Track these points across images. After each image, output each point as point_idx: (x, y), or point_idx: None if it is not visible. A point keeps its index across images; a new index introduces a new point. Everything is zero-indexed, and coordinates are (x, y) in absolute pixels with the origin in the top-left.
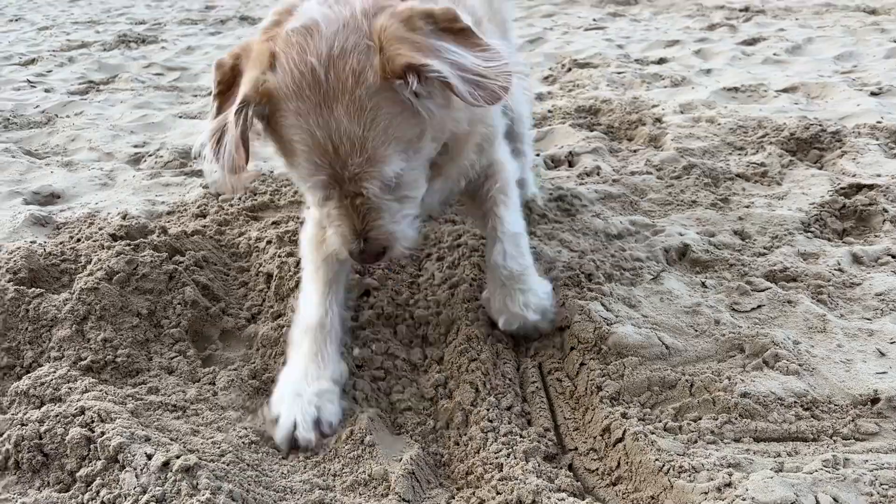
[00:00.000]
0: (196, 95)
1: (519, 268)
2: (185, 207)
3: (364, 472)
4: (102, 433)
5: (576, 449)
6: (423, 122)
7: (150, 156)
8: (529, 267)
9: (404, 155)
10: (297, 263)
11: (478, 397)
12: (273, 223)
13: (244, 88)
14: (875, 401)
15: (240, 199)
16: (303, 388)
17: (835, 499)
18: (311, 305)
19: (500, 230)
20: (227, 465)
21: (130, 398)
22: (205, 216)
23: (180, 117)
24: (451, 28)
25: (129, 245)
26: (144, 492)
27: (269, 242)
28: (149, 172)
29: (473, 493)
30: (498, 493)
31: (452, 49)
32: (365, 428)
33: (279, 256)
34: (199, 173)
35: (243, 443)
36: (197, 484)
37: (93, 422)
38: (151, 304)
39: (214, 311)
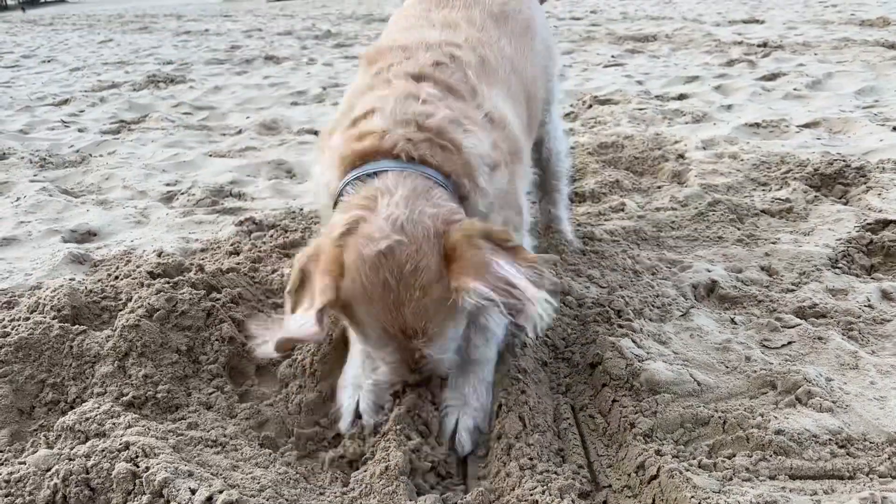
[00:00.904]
0: (224, 134)
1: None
2: (219, 245)
3: None
4: (147, 468)
5: (610, 486)
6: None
7: (183, 194)
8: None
9: (455, 330)
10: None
11: (523, 431)
12: None
13: (321, 297)
14: None
15: (271, 236)
16: (361, 380)
17: None
18: None
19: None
20: (267, 500)
21: (171, 433)
22: (238, 253)
23: (210, 156)
24: (507, 247)
25: (168, 283)
26: None
27: None
28: (181, 210)
29: None
30: None
31: (504, 266)
32: (401, 464)
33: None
34: (230, 211)
35: (282, 479)
36: None
37: (137, 457)
38: (190, 340)
39: (251, 347)
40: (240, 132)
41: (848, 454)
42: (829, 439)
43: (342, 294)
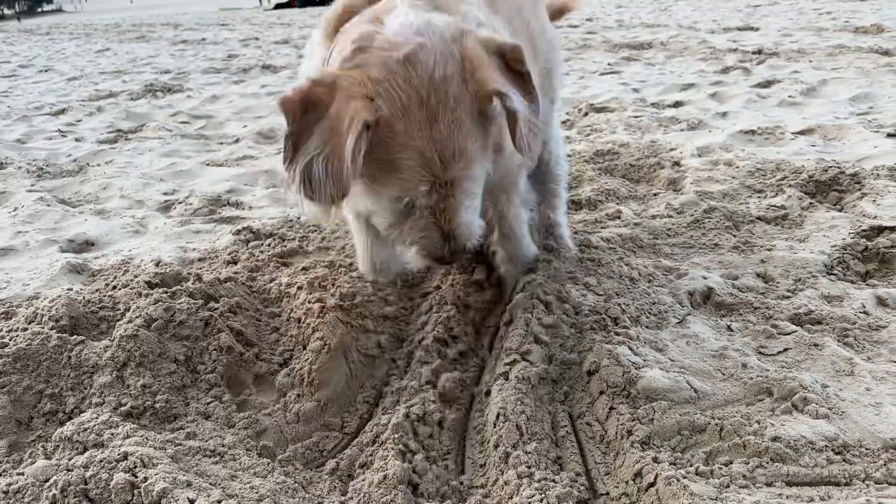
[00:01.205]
0: (222, 143)
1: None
2: (216, 254)
3: None
4: (146, 478)
5: (607, 493)
6: (491, 134)
7: (180, 203)
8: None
9: (483, 157)
10: (322, 310)
11: (520, 440)
12: (303, 269)
13: (360, 114)
14: None
15: (269, 245)
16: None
17: None
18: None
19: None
20: None
21: (170, 443)
22: (236, 263)
23: (208, 165)
24: (516, 69)
25: (166, 292)
26: None
27: (299, 288)
28: (179, 220)
29: None
30: None
31: (513, 92)
32: (399, 474)
33: (308, 303)
34: (228, 220)
35: (280, 488)
36: None
37: (136, 467)
38: (188, 350)
39: (248, 357)
40: (237, 141)
41: (844, 460)
42: (826, 446)
43: (380, 113)
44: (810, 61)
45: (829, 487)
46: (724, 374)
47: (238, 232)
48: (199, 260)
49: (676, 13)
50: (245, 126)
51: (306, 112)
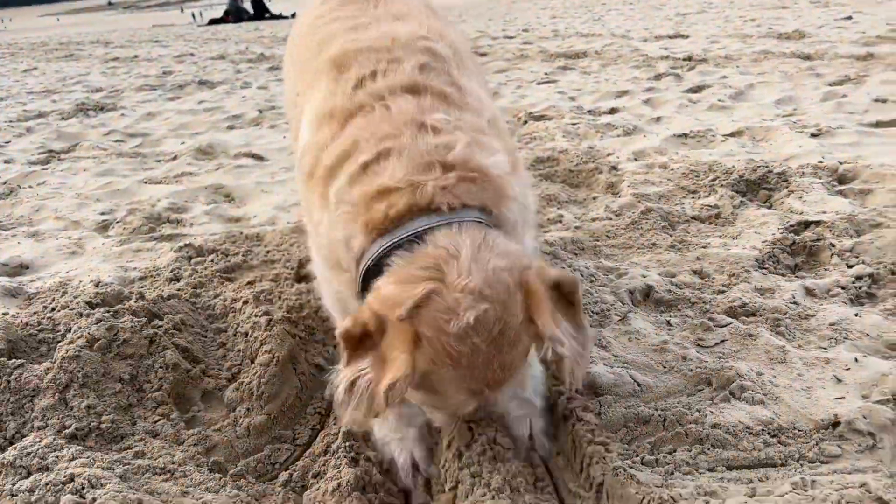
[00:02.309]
0: (159, 160)
1: None
2: (158, 272)
3: None
4: (94, 499)
5: (569, 490)
6: None
7: (118, 223)
8: None
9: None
10: (269, 323)
11: (472, 440)
12: (248, 283)
13: (396, 369)
14: (836, 424)
15: (212, 261)
16: (402, 429)
17: None
18: None
19: None
20: None
21: (118, 463)
22: (178, 280)
23: (146, 183)
24: (570, 300)
25: (108, 311)
26: None
27: (245, 303)
28: (118, 239)
29: None
30: None
31: (567, 330)
32: (353, 481)
33: (255, 316)
34: (169, 237)
35: (233, 503)
36: None
37: (83, 488)
38: (133, 368)
39: (195, 373)
40: (175, 158)
41: (779, 443)
42: (762, 430)
43: (419, 366)
44: (737, 67)
45: (767, 469)
46: (665, 367)
47: (180, 249)
48: (141, 279)
49: (609, 22)
50: (183, 143)
51: (361, 343)
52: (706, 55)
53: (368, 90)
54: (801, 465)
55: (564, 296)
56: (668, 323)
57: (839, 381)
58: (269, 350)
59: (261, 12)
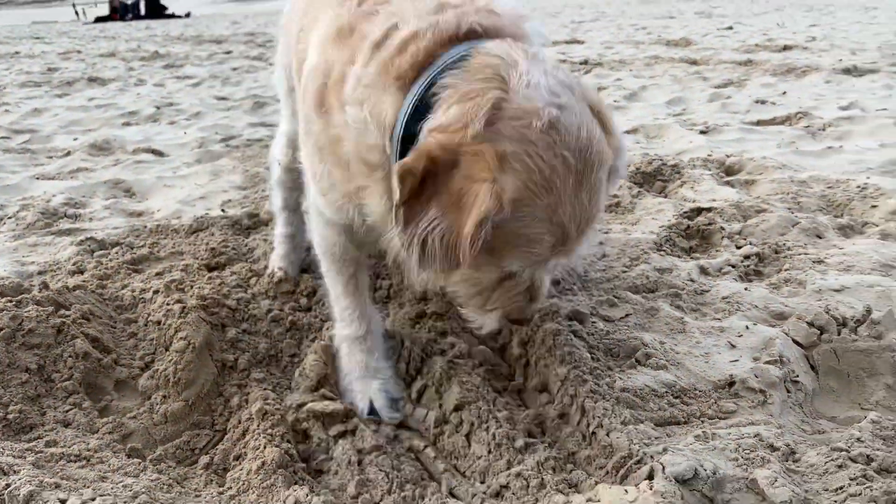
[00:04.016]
0: (51, 157)
1: None
2: (59, 266)
3: (279, 499)
4: (8, 485)
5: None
6: None
7: (10, 218)
8: None
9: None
10: (183, 310)
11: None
12: (156, 274)
13: (481, 202)
14: (731, 384)
15: (117, 253)
16: (370, 379)
17: (714, 465)
18: (354, 319)
19: None
20: None
21: (29, 452)
22: (82, 272)
23: (37, 179)
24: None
25: (10, 301)
26: None
27: (156, 292)
28: (11, 234)
29: None
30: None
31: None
32: (277, 459)
33: (167, 305)
34: (67, 232)
35: (155, 485)
36: None
37: None
38: (40, 358)
39: (107, 362)
40: (68, 154)
41: (682, 402)
42: (666, 392)
43: (508, 196)
44: (631, 70)
45: (672, 426)
46: None
47: (81, 242)
48: (40, 273)
49: None
50: (75, 139)
51: (424, 183)
52: (601, 59)
53: (373, 1)
54: (702, 421)
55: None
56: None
57: (733, 346)
58: (184, 337)
59: (156, 11)
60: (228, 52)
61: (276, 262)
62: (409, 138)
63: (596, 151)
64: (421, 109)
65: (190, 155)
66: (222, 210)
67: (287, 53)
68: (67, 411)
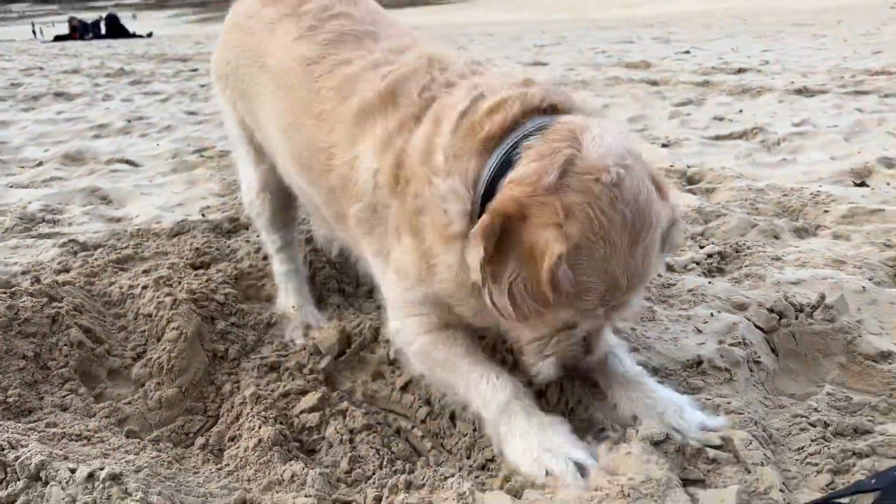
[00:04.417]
0: (23, 167)
1: None
2: (43, 266)
3: (276, 473)
4: (17, 457)
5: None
6: None
7: None
8: None
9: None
10: (174, 303)
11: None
12: (143, 272)
13: (552, 247)
14: (699, 363)
15: (102, 253)
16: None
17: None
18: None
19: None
20: (146, 477)
21: (32, 431)
22: (68, 271)
23: (11, 187)
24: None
25: (4, 293)
26: (74, 501)
27: (144, 288)
28: None
29: None
30: None
31: None
32: (273, 436)
33: (158, 298)
34: (47, 236)
35: (156, 461)
36: (127, 489)
37: (3, 450)
38: (37, 346)
39: (100, 352)
40: (40, 164)
41: (656, 379)
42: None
43: (572, 242)
44: (592, 90)
45: None
46: None
47: (63, 245)
48: (24, 273)
49: (473, 50)
50: (46, 150)
51: (502, 239)
52: (564, 81)
53: (433, 87)
54: None
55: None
56: None
57: (699, 331)
58: (176, 327)
59: (117, 30)
60: (195, 70)
61: (290, 300)
62: (489, 195)
63: (653, 213)
64: (504, 167)
65: (165, 165)
66: (202, 215)
67: (245, 118)
68: (64, 397)
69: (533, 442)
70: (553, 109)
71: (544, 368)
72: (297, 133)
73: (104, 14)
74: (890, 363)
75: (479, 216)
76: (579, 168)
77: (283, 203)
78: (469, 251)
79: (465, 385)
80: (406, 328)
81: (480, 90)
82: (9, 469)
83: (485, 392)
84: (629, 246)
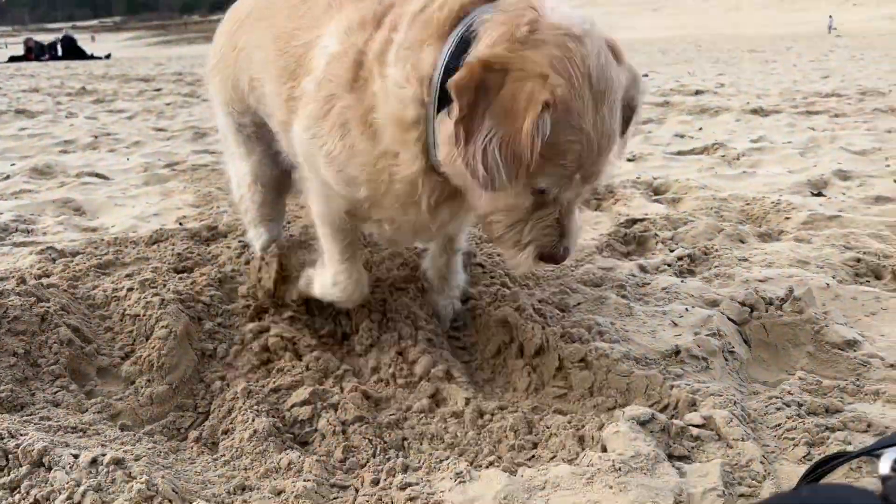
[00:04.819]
0: None
1: None
2: (21, 272)
3: (273, 462)
4: (18, 444)
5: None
6: None
7: None
8: None
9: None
10: (162, 303)
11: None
12: (126, 276)
13: (537, 95)
14: (677, 353)
15: (81, 259)
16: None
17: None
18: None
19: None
20: (147, 465)
21: (27, 423)
22: (49, 276)
23: None
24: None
25: None
26: (79, 484)
27: (130, 290)
28: None
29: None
30: None
31: None
32: (267, 427)
33: (145, 299)
34: (23, 244)
35: (153, 451)
36: (131, 472)
37: (3, 438)
38: (26, 344)
39: (89, 350)
40: (8, 177)
41: (638, 367)
42: (625, 359)
43: (559, 95)
44: None
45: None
46: None
47: (41, 252)
48: (2, 279)
49: None
50: (13, 164)
51: (478, 95)
52: None
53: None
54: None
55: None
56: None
57: (675, 324)
58: (165, 325)
59: (74, 52)
60: (158, 90)
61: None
62: (449, 76)
63: (614, 74)
64: (461, 48)
65: (136, 178)
66: (179, 224)
67: (234, 89)
68: (55, 393)
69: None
70: None
71: (521, 258)
72: (272, 34)
73: (60, 35)
74: (855, 351)
75: (439, 102)
76: (546, 25)
77: (273, 197)
78: (439, 126)
79: (330, 270)
80: (322, 211)
81: None
82: (10, 456)
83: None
84: (595, 106)
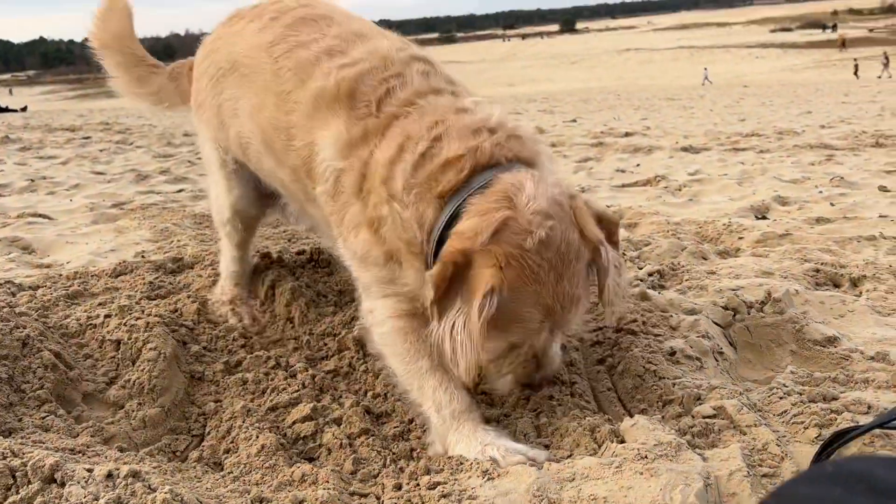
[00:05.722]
0: None
1: None
2: None
3: (285, 475)
4: (25, 462)
5: None
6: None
7: None
8: None
9: (585, 304)
10: (148, 325)
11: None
12: (99, 304)
13: (488, 280)
14: (672, 353)
15: (46, 291)
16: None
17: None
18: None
19: None
20: (157, 480)
21: (24, 445)
22: (14, 307)
23: None
24: (610, 235)
25: None
26: (97, 498)
27: (108, 317)
28: None
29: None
30: None
31: (610, 253)
32: (275, 442)
33: (127, 324)
34: None
35: (158, 469)
36: (151, 485)
37: (6, 457)
38: (9, 369)
39: (73, 376)
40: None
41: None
42: None
43: (507, 282)
44: None
45: None
46: None
47: (1, 285)
48: None
49: None
50: None
51: (451, 283)
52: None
53: (394, 103)
54: None
55: (605, 229)
56: None
57: (671, 328)
58: (154, 347)
59: None
60: (87, 138)
61: (227, 284)
62: (441, 241)
63: (574, 252)
64: (453, 218)
65: (84, 218)
66: (142, 256)
67: (219, 130)
68: (44, 418)
69: (476, 444)
70: (498, 164)
71: (500, 385)
72: (262, 112)
73: None
74: (835, 346)
75: (434, 256)
76: (514, 227)
77: (247, 235)
78: (425, 289)
79: (419, 386)
80: (378, 309)
81: (441, 129)
82: (17, 474)
83: (441, 399)
84: (556, 281)
